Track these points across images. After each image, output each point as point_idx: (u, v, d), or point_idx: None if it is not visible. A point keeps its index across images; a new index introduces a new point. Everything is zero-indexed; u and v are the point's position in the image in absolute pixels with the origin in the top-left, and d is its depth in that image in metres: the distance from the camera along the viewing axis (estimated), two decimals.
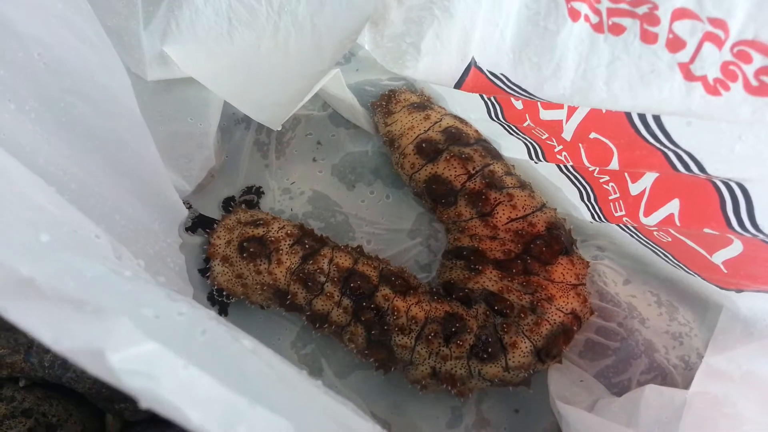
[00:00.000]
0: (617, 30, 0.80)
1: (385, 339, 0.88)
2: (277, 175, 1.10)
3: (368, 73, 1.14)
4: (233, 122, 1.13)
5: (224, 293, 0.96)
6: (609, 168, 0.90)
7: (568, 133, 0.92)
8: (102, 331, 0.34)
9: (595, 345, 0.95)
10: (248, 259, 0.92)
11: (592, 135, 0.89)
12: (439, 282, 1.00)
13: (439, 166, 0.97)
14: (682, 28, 0.74)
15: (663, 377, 0.92)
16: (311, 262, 0.90)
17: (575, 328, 0.90)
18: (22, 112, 0.62)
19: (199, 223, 1.02)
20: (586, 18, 0.82)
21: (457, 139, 0.98)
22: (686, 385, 0.89)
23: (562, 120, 0.92)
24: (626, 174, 0.86)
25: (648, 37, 0.78)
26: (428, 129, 1.02)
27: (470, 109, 1.03)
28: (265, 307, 0.99)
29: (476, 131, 1.03)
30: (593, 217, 0.97)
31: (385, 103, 1.09)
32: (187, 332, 0.44)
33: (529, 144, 0.98)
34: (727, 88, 0.75)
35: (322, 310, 0.90)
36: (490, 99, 0.98)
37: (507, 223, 0.95)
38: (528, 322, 0.87)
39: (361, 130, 1.13)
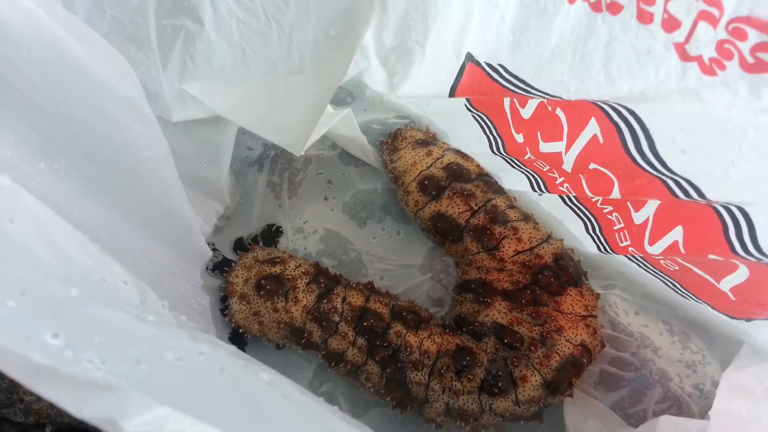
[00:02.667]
0: (615, 9, 0.78)
1: (401, 377, 0.88)
2: (290, 215, 1.12)
3: (376, 112, 1.17)
4: (246, 165, 1.15)
5: (242, 331, 0.98)
6: (611, 197, 0.91)
7: (568, 165, 0.93)
8: (116, 402, 0.38)
9: (610, 376, 0.93)
10: (265, 296, 0.93)
11: (592, 165, 0.91)
12: (451, 316, 0.97)
13: (443, 203, 0.98)
14: (676, 7, 0.73)
15: (678, 406, 0.91)
16: (325, 300, 0.90)
17: (585, 360, 0.89)
18: (52, 170, 0.64)
19: (220, 265, 1.04)
20: None
21: (459, 175, 0.99)
22: (702, 414, 0.88)
23: (561, 152, 0.94)
24: (629, 203, 0.86)
25: (644, 17, 0.76)
26: (430, 165, 1.04)
27: (473, 144, 1.05)
28: (281, 346, 1.01)
29: (477, 166, 1.05)
30: (599, 249, 0.98)
31: (391, 140, 1.11)
32: (206, 371, 0.46)
33: (530, 176, 1.00)
34: (722, 68, 0.73)
35: (338, 349, 0.90)
36: (492, 133, 1.01)
37: (513, 255, 0.94)
38: (538, 355, 0.86)
39: (370, 168, 1.14)
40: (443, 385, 0.87)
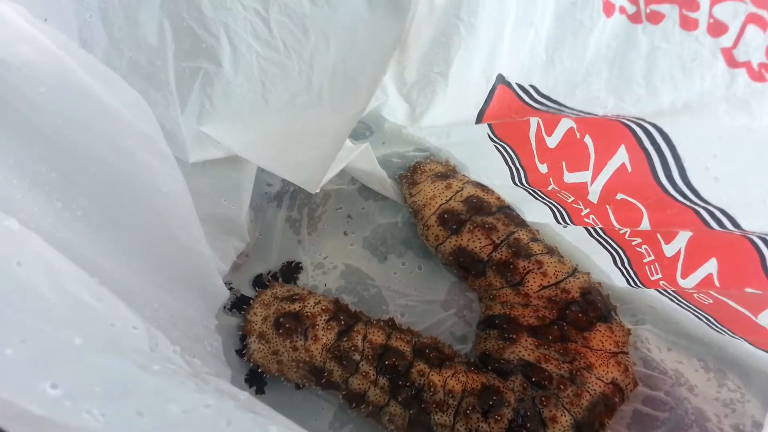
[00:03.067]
0: (656, 18, 0.75)
1: (425, 418, 0.85)
2: (310, 251, 1.10)
3: (394, 145, 1.16)
4: (266, 201, 1.14)
5: (261, 371, 0.96)
6: (640, 229, 0.88)
7: (594, 195, 0.91)
8: None
9: (643, 416, 0.90)
10: (284, 335, 0.91)
11: (619, 196, 0.88)
12: (476, 354, 0.94)
13: (463, 237, 0.96)
14: (723, 11, 0.69)
15: None
16: (346, 339, 0.88)
17: (617, 399, 0.85)
18: (69, 209, 0.63)
19: (238, 303, 1.02)
20: (622, 9, 0.77)
21: (480, 208, 0.97)
22: None
23: (587, 182, 0.91)
24: (659, 234, 0.83)
25: (688, 24, 0.73)
26: (450, 199, 1.02)
27: (494, 175, 1.03)
28: (301, 386, 0.98)
29: (498, 198, 1.03)
30: (629, 282, 0.94)
31: (410, 174, 1.10)
32: (212, 425, 0.44)
33: (554, 208, 0.97)
34: None
35: (359, 389, 0.87)
36: (514, 164, 0.99)
37: (539, 290, 0.93)
38: (568, 394, 0.83)
39: (389, 202, 1.13)
40: (469, 427, 0.86)
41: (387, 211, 1.13)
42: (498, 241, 0.94)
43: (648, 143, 0.83)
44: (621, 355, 0.86)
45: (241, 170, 1.01)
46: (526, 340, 0.88)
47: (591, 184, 0.91)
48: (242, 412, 0.50)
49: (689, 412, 0.89)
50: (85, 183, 0.63)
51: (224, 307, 1.02)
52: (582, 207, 0.94)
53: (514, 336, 0.90)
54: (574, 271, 0.92)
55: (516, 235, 0.94)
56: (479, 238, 0.95)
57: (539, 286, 0.91)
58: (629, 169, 0.86)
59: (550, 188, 0.96)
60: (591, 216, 0.93)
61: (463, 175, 1.08)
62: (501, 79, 0.96)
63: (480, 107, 1.01)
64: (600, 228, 0.93)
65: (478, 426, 0.86)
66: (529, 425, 0.84)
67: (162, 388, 0.45)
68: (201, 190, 0.97)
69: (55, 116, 0.57)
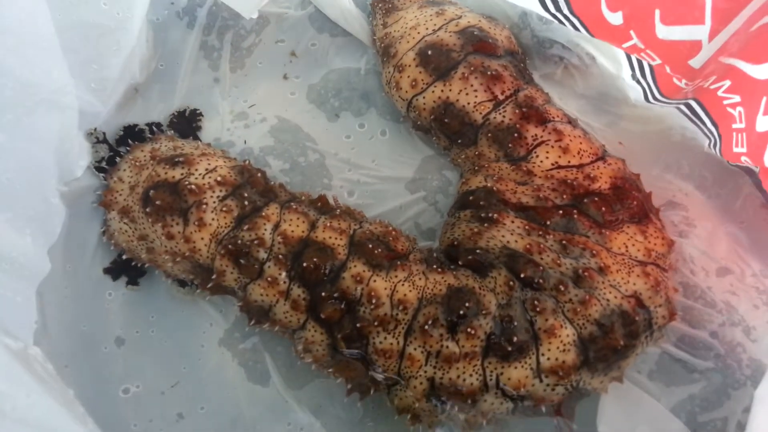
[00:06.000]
0: None
1: (359, 344, 0.68)
2: (231, 95, 0.91)
3: None
4: (171, 15, 0.92)
5: (128, 258, 0.76)
6: None
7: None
8: None
9: (674, 364, 0.77)
10: (154, 216, 0.70)
11: None
12: (441, 248, 0.78)
13: (453, 86, 0.76)
14: None
15: None
16: (247, 227, 0.69)
17: (638, 320, 0.67)
18: None
19: (110, 160, 0.80)
20: None
21: (481, 47, 0.77)
22: None
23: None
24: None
25: None
26: (439, 28, 0.80)
27: None
28: (188, 284, 0.78)
29: (509, 37, 0.83)
30: (712, 144, 0.76)
31: None
32: None
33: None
34: None
35: (261, 301, 0.69)
36: None
37: (551, 169, 0.73)
38: (570, 299, 0.67)
39: (352, 39, 0.94)
40: (427, 349, 0.68)
41: (347, 51, 0.94)
42: (502, 97, 0.75)
43: None
44: (652, 266, 0.71)
45: None
46: (513, 222, 0.73)
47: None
48: None
49: (743, 365, 0.74)
50: None
51: (93, 166, 0.79)
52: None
53: (495, 215, 0.73)
54: (605, 154, 0.76)
55: (527, 92, 0.76)
56: (475, 90, 0.76)
57: (552, 164, 0.73)
58: None
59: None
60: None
61: (467, 8, 0.84)
62: None
63: None
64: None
65: (441, 346, 0.66)
66: (515, 339, 0.65)
67: None
68: None
69: None
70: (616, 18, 0.74)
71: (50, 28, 0.70)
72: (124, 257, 0.75)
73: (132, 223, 0.72)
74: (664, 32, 0.74)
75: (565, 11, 0.74)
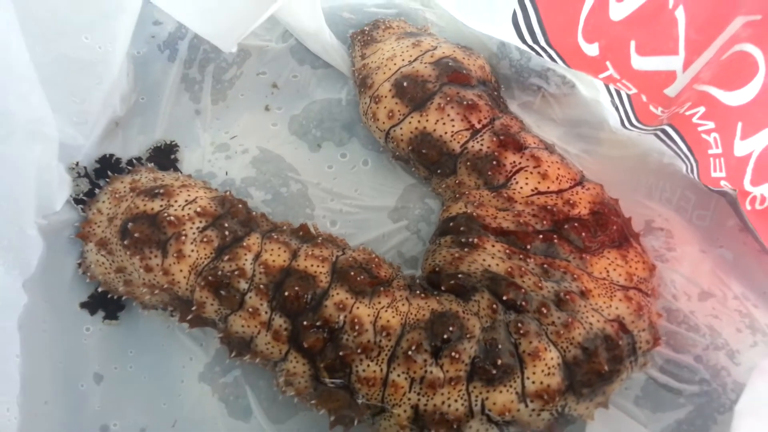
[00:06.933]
0: None
1: (342, 374, 0.66)
2: (213, 126, 0.90)
3: None
4: (153, 48, 0.91)
5: (103, 291, 0.74)
6: None
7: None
8: None
9: (660, 389, 0.76)
10: (132, 249, 0.68)
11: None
12: (423, 275, 0.77)
13: (429, 116, 0.76)
14: None
15: None
16: (227, 257, 0.67)
17: (621, 344, 0.66)
18: None
19: (90, 194, 0.78)
20: None
21: (456, 77, 0.77)
22: None
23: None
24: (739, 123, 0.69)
25: None
26: (415, 59, 0.80)
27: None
28: (167, 310, 0.75)
29: (482, 67, 0.81)
30: (689, 170, 0.76)
31: (369, 29, 0.88)
32: None
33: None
34: None
35: (243, 333, 0.67)
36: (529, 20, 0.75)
37: (531, 195, 0.72)
38: (553, 321, 0.66)
39: (333, 71, 0.93)
40: (411, 375, 0.66)
41: (328, 82, 0.93)
42: (479, 126, 0.75)
43: None
44: (634, 291, 0.70)
45: None
46: (493, 246, 0.72)
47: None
48: None
49: (728, 388, 0.73)
50: None
51: (72, 199, 0.78)
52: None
53: (476, 240, 0.72)
54: (583, 179, 0.75)
55: (503, 120, 0.76)
56: (452, 119, 0.76)
57: (532, 190, 0.73)
58: None
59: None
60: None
61: (443, 39, 0.84)
62: None
63: None
64: (660, 110, 0.74)
65: (425, 372, 0.65)
66: (499, 362, 0.64)
67: None
68: (43, 15, 0.72)
69: None
70: (592, 49, 0.75)
71: (25, 57, 0.68)
72: (99, 290, 0.72)
73: (109, 255, 0.70)
74: (640, 63, 0.74)
75: (542, 43, 0.73)
